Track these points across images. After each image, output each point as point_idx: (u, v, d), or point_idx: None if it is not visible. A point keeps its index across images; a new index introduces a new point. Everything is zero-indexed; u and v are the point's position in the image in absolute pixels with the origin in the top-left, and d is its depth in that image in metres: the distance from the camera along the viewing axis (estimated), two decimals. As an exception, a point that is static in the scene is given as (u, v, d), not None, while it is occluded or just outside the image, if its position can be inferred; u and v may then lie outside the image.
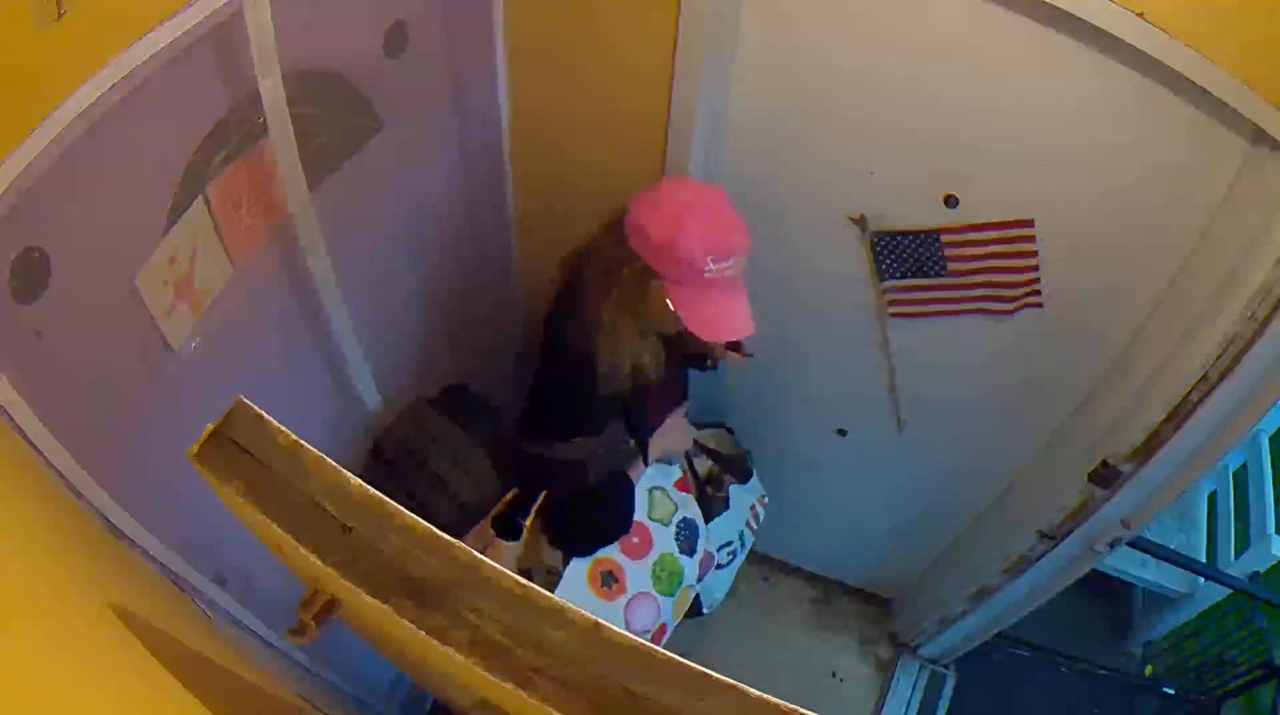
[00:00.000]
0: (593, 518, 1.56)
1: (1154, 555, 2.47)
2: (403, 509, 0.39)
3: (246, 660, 1.11)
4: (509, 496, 1.57)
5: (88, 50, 0.81)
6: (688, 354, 1.66)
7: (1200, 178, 1.40)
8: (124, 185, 0.94)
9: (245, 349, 1.23)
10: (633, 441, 1.63)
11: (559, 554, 1.54)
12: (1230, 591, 2.62)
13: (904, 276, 1.77)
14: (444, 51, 1.57)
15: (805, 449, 2.31)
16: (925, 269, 1.74)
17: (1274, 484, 2.78)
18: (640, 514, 1.60)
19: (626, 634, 0.34)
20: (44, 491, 0.82)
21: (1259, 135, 1.29)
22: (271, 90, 1.05)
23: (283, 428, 0.41)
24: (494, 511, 1.55)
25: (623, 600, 1.57)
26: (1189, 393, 1.49)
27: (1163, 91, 1.31)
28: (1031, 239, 1.60)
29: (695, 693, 0.33)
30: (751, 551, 2.65)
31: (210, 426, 0.42)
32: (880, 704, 2.56)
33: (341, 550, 0.39)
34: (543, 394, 1.53)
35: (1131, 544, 1.92)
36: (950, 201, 1.63)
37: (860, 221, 1.73)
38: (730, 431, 2.10)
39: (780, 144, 1.70)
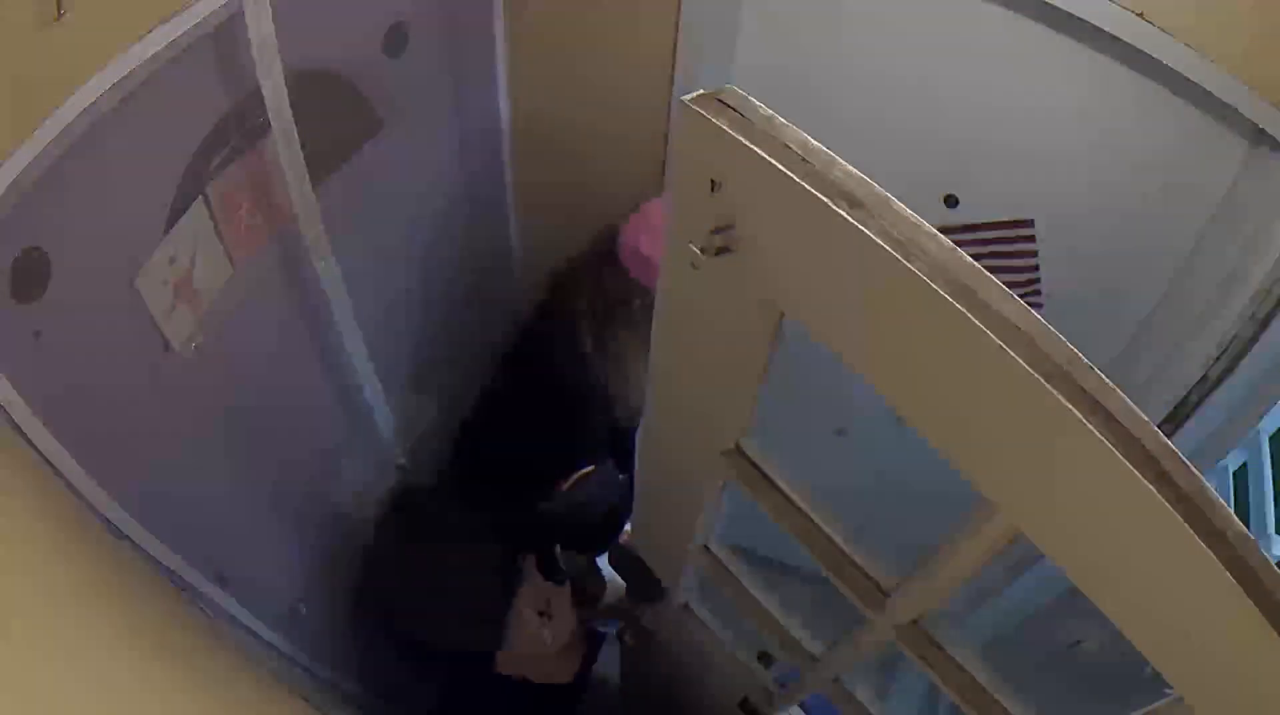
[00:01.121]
0: (626, 498, 1.53)
1: (1154, 555, 2.47)
2: (841, 160, 0.58)
3: (246, 660, 1.11)
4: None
5: (88, 50, 0.81)
6: None
7: (1200, 178, 1.40)
8: (124, 185, 0.94)
9: (245, 349, 1.23)
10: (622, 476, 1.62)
11: (579, 560, 1.52)
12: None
13: (904, 276, 1.77)
14: (444, 51, 1.57)
15: (805, 449, 2.30)
16: (925, 269, 1.74)
17: (1274, 484, 2.78)
18: None
19: (974, 261, 0.56)
20: (44, 491, 0.82)
21: (1259, 135, 1.29)
22: (273, 90, 1.05)
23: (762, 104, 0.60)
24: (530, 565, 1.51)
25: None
26: (1189, 393, 1.49)
27: (1163, 91, 1.31)
28: (1031, 239, 1.60)
29: (1008, 301, 0.56)
30: (751, 552, 2.64)
31: (702, 90, 0.61)
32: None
33: (798, 168, 0.57)
34: (533, 439, 1.50)
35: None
36: (950, 201, 1.63)
37: (860, 221, 1.73)
38: None
39: (780, 144, 1.70)
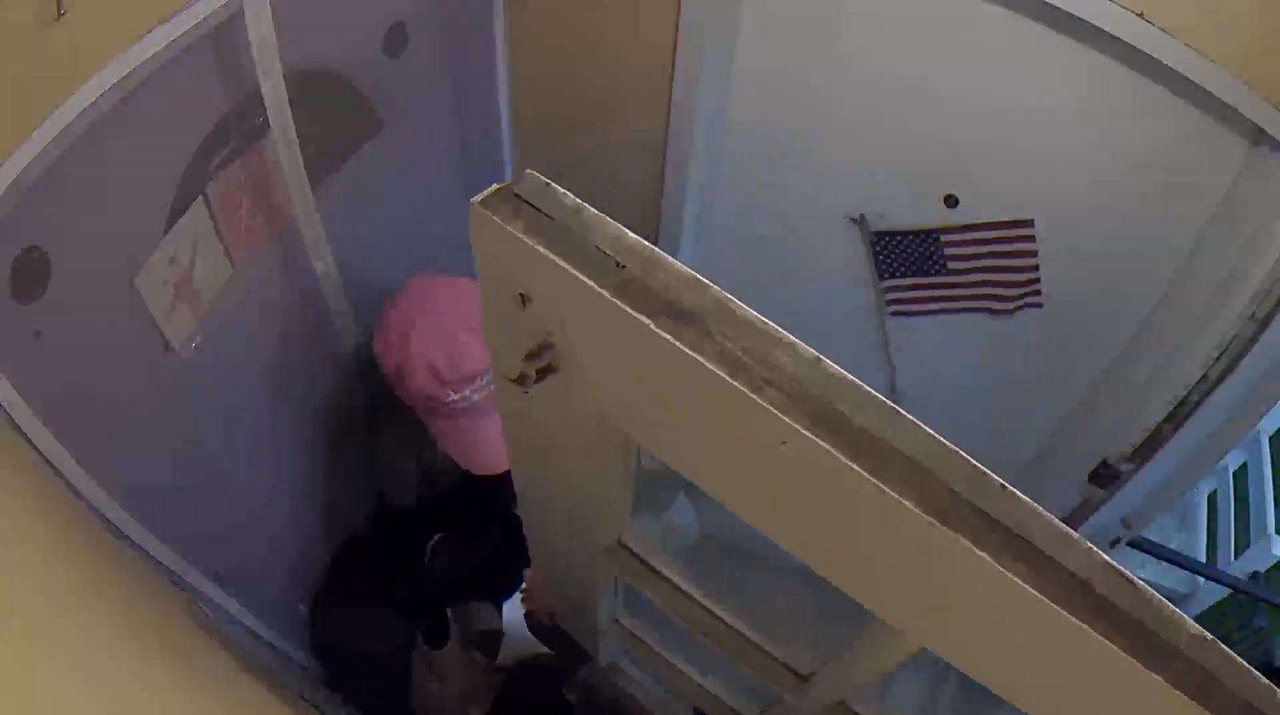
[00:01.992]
0: (506, 568, 1.55)
1: (1154, 555, 2.47)
2: (666, 256, 0.47)
3: (246, 660, 1.11)
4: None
5: (88, 50, 0.81)
6: None
7: (1200, 178, 1.40)
8: (124, 185, 0.94)
9: (245, 349, 1.23)
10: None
11: (491, 613, 1.54)
12: (1230, 591, 2.62)
13: (904, 274, 1.77)
14: (444, 51, 1.57)
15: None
16: (926, 267, 1.74)
17: (1274, 484, 2.78)
18: None
19: (842, 371, 0.45)
20: (44, 491, 0.82)
21: (1259, 135, 1.29)
22: (273, 90, 1.05)
23: (567, 192, 0.50)
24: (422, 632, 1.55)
25: None
26: (1189, 393, 1.49)
27: (1163, 91, 1.31)
28: (1031, 239, 1.60)
29: (888, 421, 0.44)
30: (751, 552, 2.64)
31: (496, 186, 0.51)
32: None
33: (611, 277, 0.47)
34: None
35: (1131, 544, 1.92)
36: (950, 201, 1.63)
37: (860, 221, 1.73)
38: None
39: (780, 144, 1.70)
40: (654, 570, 0.88)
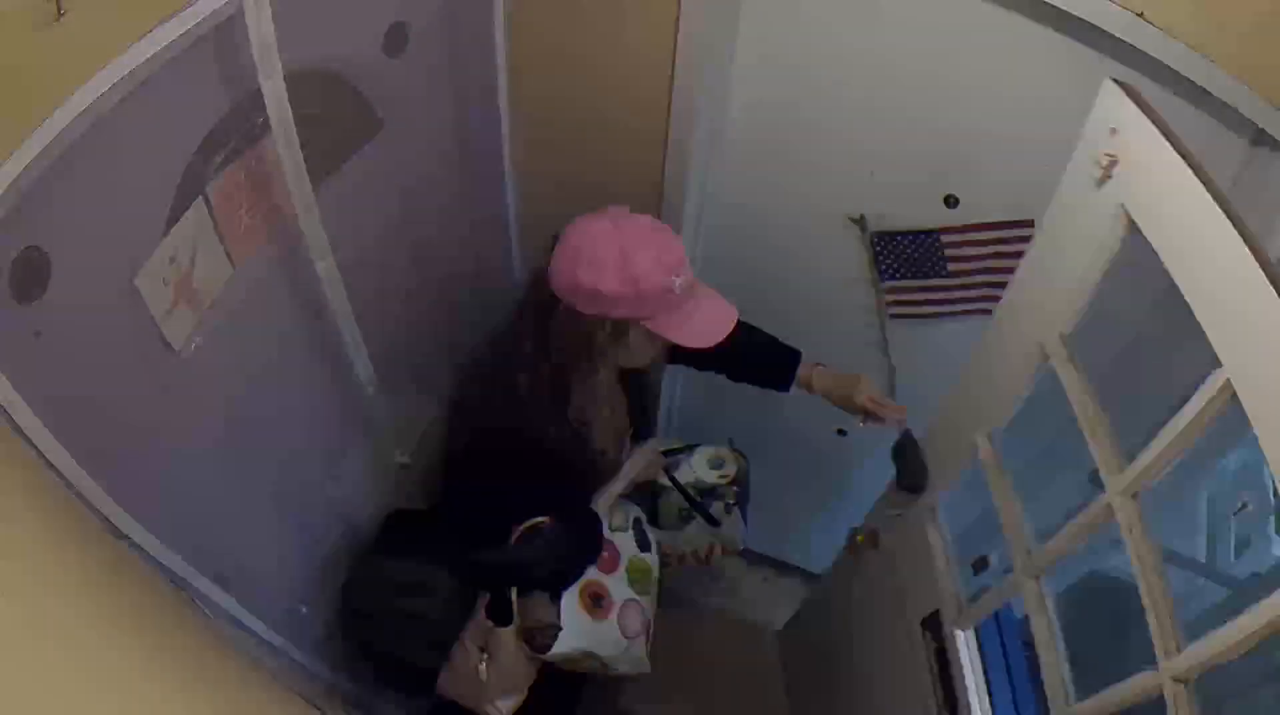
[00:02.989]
0: (570, 558, 1.57)
1: (1154, 555, 2.46)
2: None
3: (246, 660, 1.11)
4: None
5: (88, 50, 0.81)
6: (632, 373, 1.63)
7: (1200, 178, 1.40)
8: (124, 185, 0.94)
9: (245, 349, 1.23)
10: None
11: (547, 607, 1.54)
12: (1230, 591, 2.62)
13: (904, 277, 1.77)
14: (444, 51, 1.57)
15: (805, 449, 2.31)
16: (925, 269, 1.74)
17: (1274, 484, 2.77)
18: (605, 531, 1.62)
19: None
20: (44, 491, 0.82)
21: (1259, 135, 1.29)
22: (274, 90, 1.05)
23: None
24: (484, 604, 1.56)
25: (615, 614, 1.59)
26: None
27: (1163, 91, 1.31)
28: (1031, 239, 1.60)
29: None
30: (750, 551, 2.63)
31: None
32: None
33: None
34: (495, 488, 1.48)
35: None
36: (950, 201, 1.63)
37: (860, 221, 1.73)
38: (737, 451, 2.00)
39: (780, 145, 1.70)
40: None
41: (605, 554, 1.62)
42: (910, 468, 1.61)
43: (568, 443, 1.46)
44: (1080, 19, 1.25)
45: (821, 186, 1.72)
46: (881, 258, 1.75)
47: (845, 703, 2.02)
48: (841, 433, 2.25)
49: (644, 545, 1.73)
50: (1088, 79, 1.36)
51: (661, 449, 1.78)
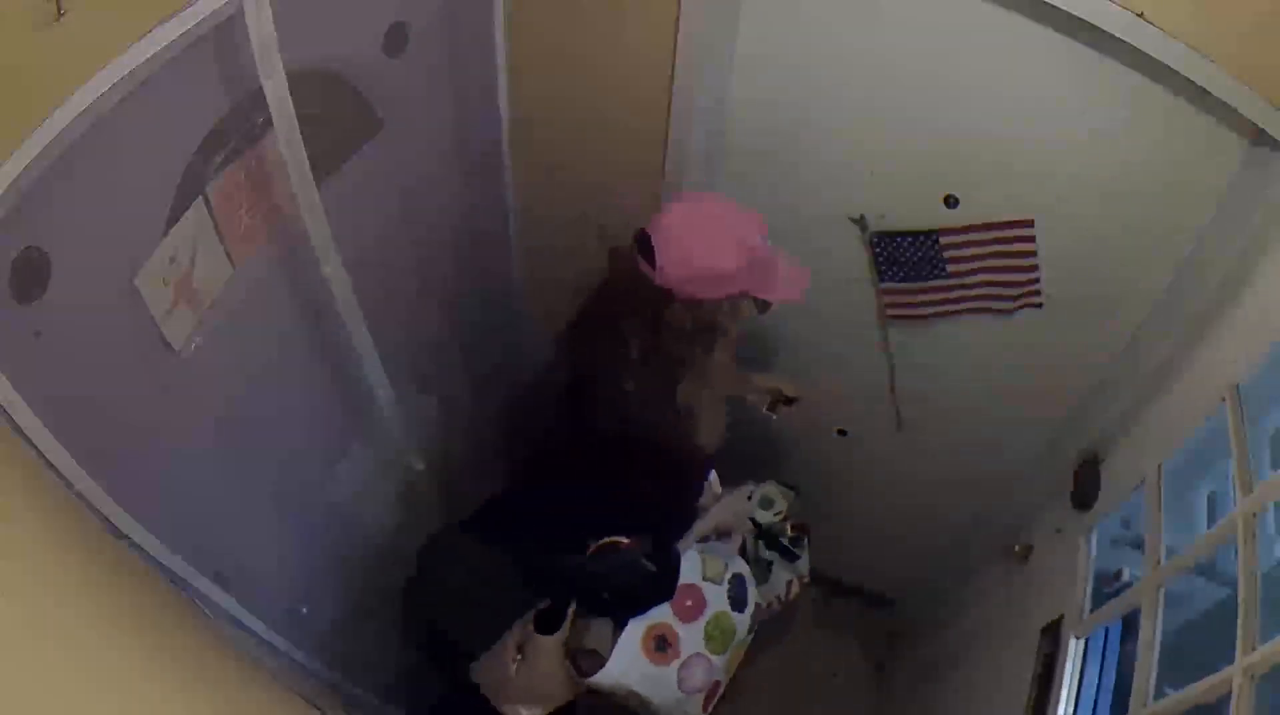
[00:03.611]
0: (640, 586, 1.49)
1: (1154, 555, 2.46)
2: None
3: (246, 660, 1.11)
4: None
5: (88, 50, 0.81)
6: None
7: (1199, 177, 1.40)
8: (124, 185, 0.94)
9: (245, 349, 1.23)
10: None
11: (605, 634, 1.47)
12: (1230, 591, 2.61)
13: (903, 279, 1.77)
14: (444, 51, 1.57)
15: (805, 449, 2.31)
16: (925, 271, 1.74)
17: (1274, 484, 2.77)
18: (694, 576, 1.52)
19: None
20: (44, 491, 0.82)
21: (1259, 135, 1.29)
22: (275, 90, 1.05)
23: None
24: (540, 608, 1.49)
25: (676, 664, 1.48)
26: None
27: (1163, 91, 1.31)
28: (1031, 239, 1.60)
29: None
30: (750, 551, 2.61)
31: None
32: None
33: None
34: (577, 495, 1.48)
35: (1131, 544, 1.92)
36: (950, 201, 1.63)
37: (860, 221, 1.73)
38: (795, 490, 2.08)
39: (780, 144, 1.70)
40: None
41: (689, 602, 1.52)
42: (1087, 486, 1.69)
43: (672, 431, 1.47)
44: (1080, 19, 1.25)
45: (821, 187, 1.72)
46: (881, 258, 1.75)
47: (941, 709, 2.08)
48: (841, 433, 2.25)
49: (738, 605, 1.60)
50: (1088, 79, 1.37)
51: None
